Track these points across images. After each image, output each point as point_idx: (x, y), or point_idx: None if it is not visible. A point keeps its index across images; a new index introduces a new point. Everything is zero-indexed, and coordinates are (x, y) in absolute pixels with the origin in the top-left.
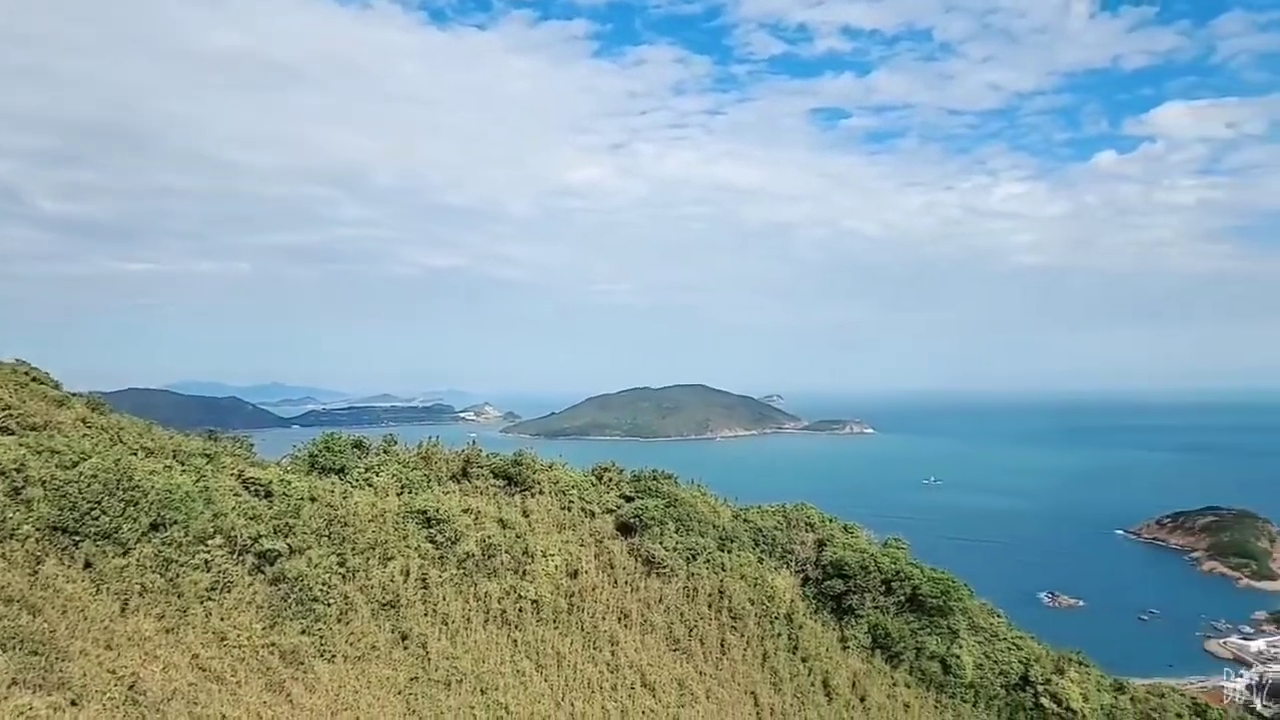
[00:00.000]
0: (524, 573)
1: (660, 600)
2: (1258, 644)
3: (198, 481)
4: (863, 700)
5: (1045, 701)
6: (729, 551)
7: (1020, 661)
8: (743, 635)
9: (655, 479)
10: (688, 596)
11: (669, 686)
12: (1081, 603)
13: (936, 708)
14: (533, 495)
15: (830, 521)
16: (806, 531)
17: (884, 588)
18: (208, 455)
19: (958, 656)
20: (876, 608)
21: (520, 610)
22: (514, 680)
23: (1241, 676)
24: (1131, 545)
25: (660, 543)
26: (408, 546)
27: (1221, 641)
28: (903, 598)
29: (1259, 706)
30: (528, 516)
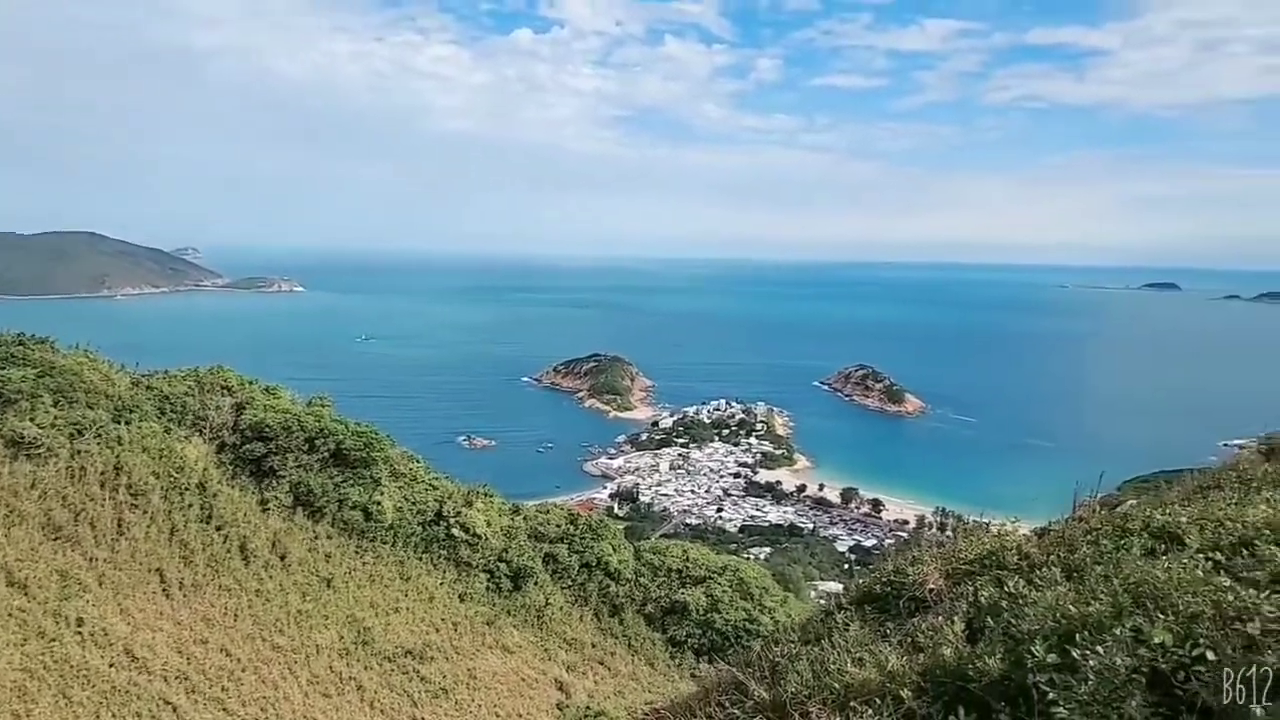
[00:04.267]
0: None
1: (34, 486)
2: (618, 462)
3: None
4: (283, 558)
5: (456, 531)
6: (127, 423)
7: (435, 500)
8: (145, 512)
9: (22, 344)
10: (73, 478)
11: (47, 580)
12: (493, 442)
13: (358, 552)
14: None
15: (251, 383)
16: (224, 395)
17: (307, 446)
18: None
19: (379, 503)
20: (299, 466)
21: None
22: None
23: (606, 488)
24: (534, 390)
25: (32, 419)
26: None
27: (594, 463)
28: (326, 454)
29: (615, 508)
30: None
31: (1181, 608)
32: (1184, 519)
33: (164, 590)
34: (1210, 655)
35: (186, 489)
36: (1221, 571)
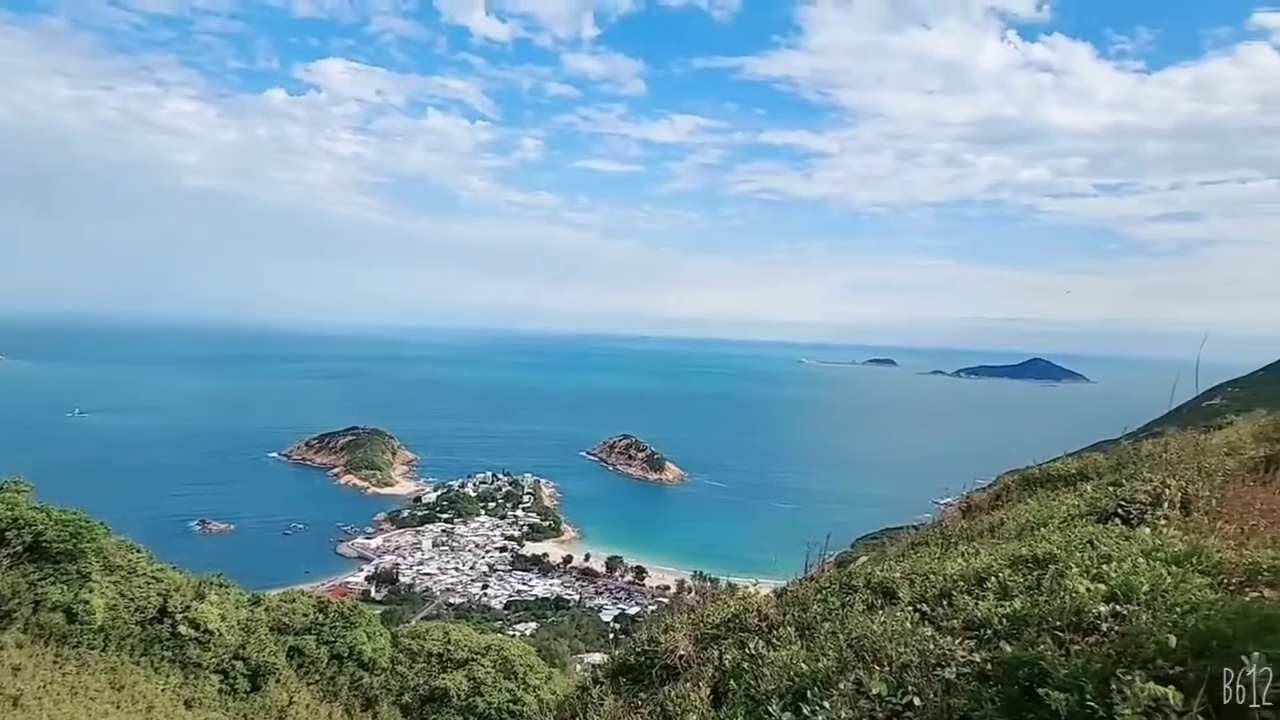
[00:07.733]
0: None
1: None
2: (376, 541)
3: None
4: None
5: (183, 629)
6: None
7: (159, 594)
8: None
9: None
10: None
11: None
12: (232, 526)
13: (57, 662)
14: None
15: None
16: None
17: None
18: None
19: (86, 602)
20: None
21: None
22: None
23: (362, 571)
24: (282, 467)
25: None
26: None
27: (350, 544)
28: (20, 548)
29: (373, 592)
30: None
31: (895, 658)
32: (898, 574)
33: None
34: (917, 701)
35: None
36: (926, 622)
